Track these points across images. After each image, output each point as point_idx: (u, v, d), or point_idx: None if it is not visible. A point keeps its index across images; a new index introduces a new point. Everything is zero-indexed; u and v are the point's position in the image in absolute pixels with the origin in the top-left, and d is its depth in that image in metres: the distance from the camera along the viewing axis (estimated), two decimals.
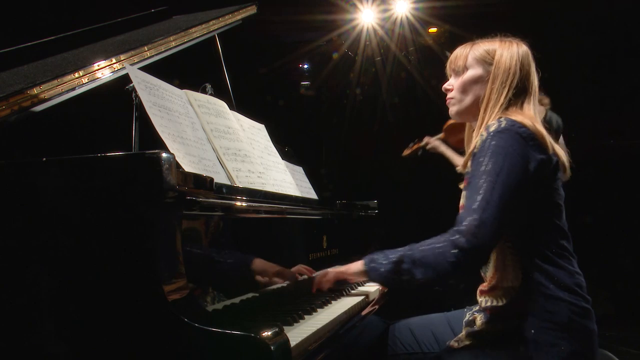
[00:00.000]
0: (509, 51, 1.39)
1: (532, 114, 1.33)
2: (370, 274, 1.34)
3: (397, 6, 4.67)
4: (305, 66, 5.69)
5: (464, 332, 1.39)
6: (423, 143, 2.88)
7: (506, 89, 1.36)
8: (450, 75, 1.50)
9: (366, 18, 4.82)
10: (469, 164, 1.33)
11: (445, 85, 1.50)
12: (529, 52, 1.42)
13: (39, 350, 0.98)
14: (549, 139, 1.28)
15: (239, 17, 2.35)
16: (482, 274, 1.39)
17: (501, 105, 1.35)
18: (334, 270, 1.47)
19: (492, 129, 1.27)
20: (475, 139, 1.33)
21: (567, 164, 1.33)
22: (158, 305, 0.91)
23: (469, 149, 1.36)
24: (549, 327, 1.23)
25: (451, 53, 1.51)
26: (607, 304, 3.99)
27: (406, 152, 2.97)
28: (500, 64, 1.38)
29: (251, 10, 2.44)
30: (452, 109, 1.48)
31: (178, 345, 0.90)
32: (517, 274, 1.28)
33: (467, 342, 1.35)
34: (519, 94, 1.37)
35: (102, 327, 0.95)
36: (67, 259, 0.97)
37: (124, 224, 0.95)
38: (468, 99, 1.43)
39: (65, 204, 0.99)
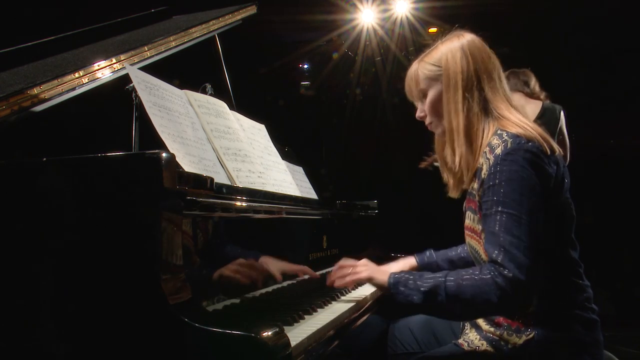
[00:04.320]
0: (452, 52, 1.30)
1: (521, 117, 1.26)
2: (397, 297, 1.26)
3: (397, 6, 4.67)
4: (305, 66, 5.69)
5: (472, 336, 1.37)
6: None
7: (475, 92, 1.28)
8: (417, 102, 1.44)
9: (366, 18, 4.82)
10: (475, 185, 1.27)
11: (418, 114, 1.45)
12: (475, 39, 1.33)
13: (39, 350, 0.98)
14: (551, 142, 1.22)
15: (239, 17, 2.34)
16: None
17: (482, 107, 1.27)
18: (365, 273, 1.37)
19: (498, 150, 1.19)
20: (477, 157, 1.26)
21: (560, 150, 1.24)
22: (158, 306, 0.90)
23: (470, 168, 1.29)
24: (561, 343, 1.22)
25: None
26: (607, 304, 3.99)
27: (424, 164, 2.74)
28: (455, 70, 1.28)
29: (251, 10, 2.44)
30: (437, 132, 1.43)
31: (178, 345, 0.90)
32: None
33: (473, 349, 1.33)
34: (489, 91, 1.28)
35: (102, 328, 0.95)
36: (67, 259, 0.97)
37: (123, 224, 0.95)
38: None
39: (65, 204, 0.98)
